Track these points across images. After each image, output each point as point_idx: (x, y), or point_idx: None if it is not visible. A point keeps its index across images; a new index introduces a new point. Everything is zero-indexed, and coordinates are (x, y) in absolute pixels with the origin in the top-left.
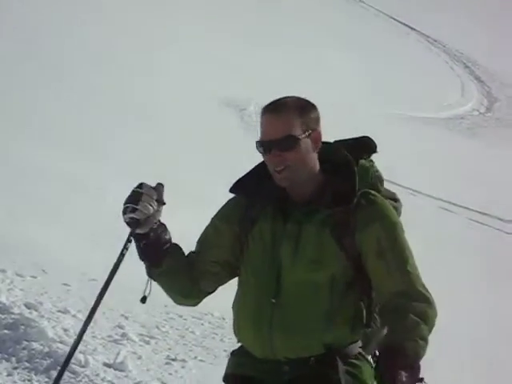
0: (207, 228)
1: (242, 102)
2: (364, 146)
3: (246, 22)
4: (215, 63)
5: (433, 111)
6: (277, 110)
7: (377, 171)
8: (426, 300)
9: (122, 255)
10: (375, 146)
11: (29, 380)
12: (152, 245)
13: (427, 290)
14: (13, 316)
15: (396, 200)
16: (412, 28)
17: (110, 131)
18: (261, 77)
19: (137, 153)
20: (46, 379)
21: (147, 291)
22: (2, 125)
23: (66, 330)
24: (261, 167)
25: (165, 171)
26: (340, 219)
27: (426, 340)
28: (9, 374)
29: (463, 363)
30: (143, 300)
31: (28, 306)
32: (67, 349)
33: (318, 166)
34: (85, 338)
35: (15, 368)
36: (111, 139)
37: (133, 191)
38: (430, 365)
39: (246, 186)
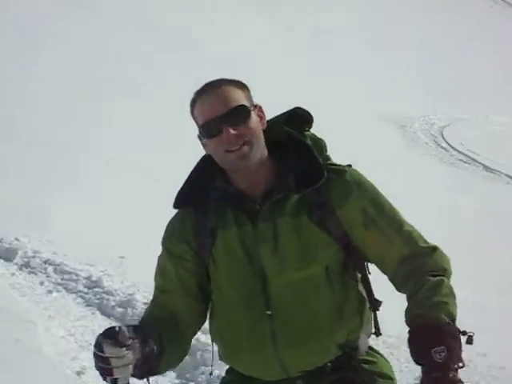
0: (163, 262)
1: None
2: (302, 118)
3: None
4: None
5: None
6: (216, 86)
7: None
8: (434, 250)
9: None
10: (312, 116)
11: None
12: (146, 367)
13: (428, 242)
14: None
15: (350, 166)
16: None
17: None
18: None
19: None
20: None
21: None
22: None
23: None
24: (197, 172)
25: None
26: (313, 201)
27: (453, 292)
28: None
29: None
30: None
31: (204, 331)
32: None
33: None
34: None
35: None
36: None
37: (97, 358)
38: None
39: (191, 196)
